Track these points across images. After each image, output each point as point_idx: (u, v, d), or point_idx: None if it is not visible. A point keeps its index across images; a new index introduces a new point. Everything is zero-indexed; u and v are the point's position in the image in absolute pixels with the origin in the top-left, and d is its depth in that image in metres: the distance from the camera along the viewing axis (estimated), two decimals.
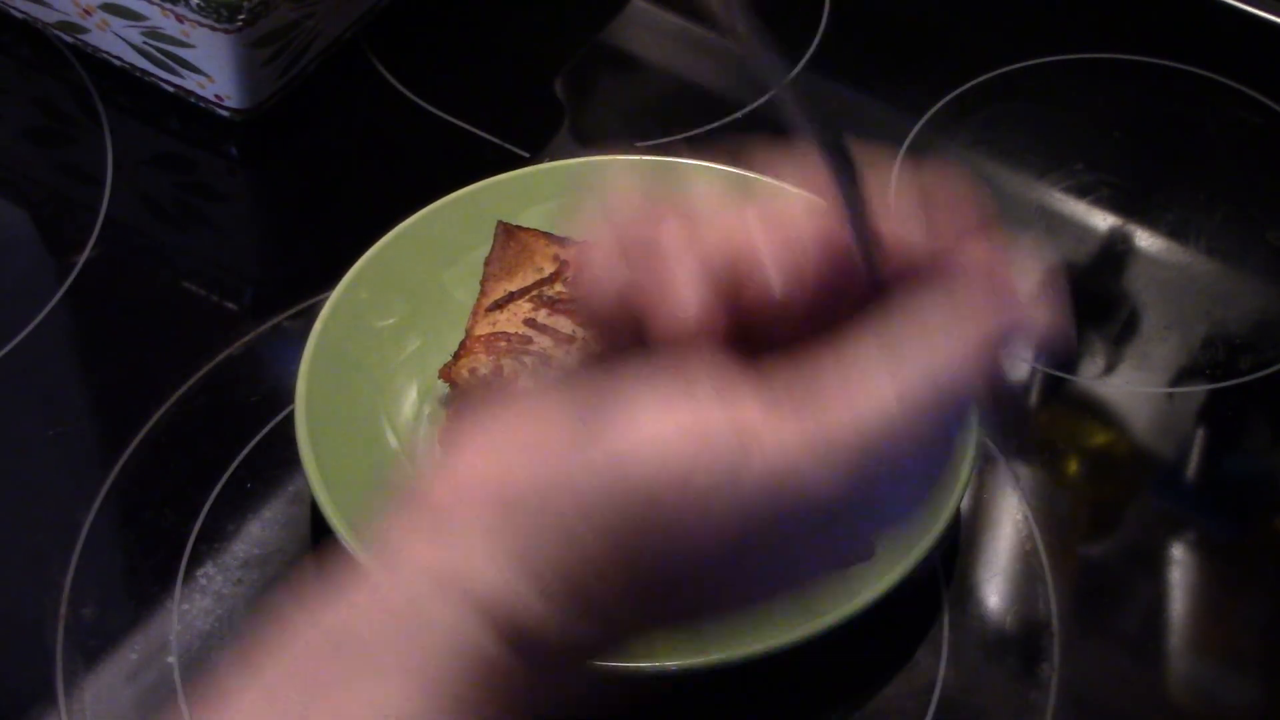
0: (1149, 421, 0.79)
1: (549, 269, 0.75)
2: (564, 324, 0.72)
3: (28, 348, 0.77)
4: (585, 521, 0.36)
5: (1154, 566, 0.73)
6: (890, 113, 0.93)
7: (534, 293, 0.74)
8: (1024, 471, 0.75)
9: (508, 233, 0.77)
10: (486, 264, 0.76)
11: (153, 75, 0.88)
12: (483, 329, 0.72)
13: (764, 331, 0.38)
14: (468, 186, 0.79)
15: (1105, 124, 0.94)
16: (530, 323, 0.72)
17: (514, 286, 0.74)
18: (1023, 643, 0.69)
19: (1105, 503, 0.76)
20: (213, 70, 0.84)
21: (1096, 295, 0.85)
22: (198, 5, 0.80)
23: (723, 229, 0.37)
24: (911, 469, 0.36)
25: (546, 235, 0.77)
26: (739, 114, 0.92)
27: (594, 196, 0.38)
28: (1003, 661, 0.69)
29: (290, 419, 0.69)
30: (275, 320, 0.79)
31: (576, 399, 0.37)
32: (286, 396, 0.70)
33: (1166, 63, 0.97)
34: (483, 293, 0.74)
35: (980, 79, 0.95)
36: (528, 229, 0.77)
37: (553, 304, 0.73)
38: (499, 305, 0.73)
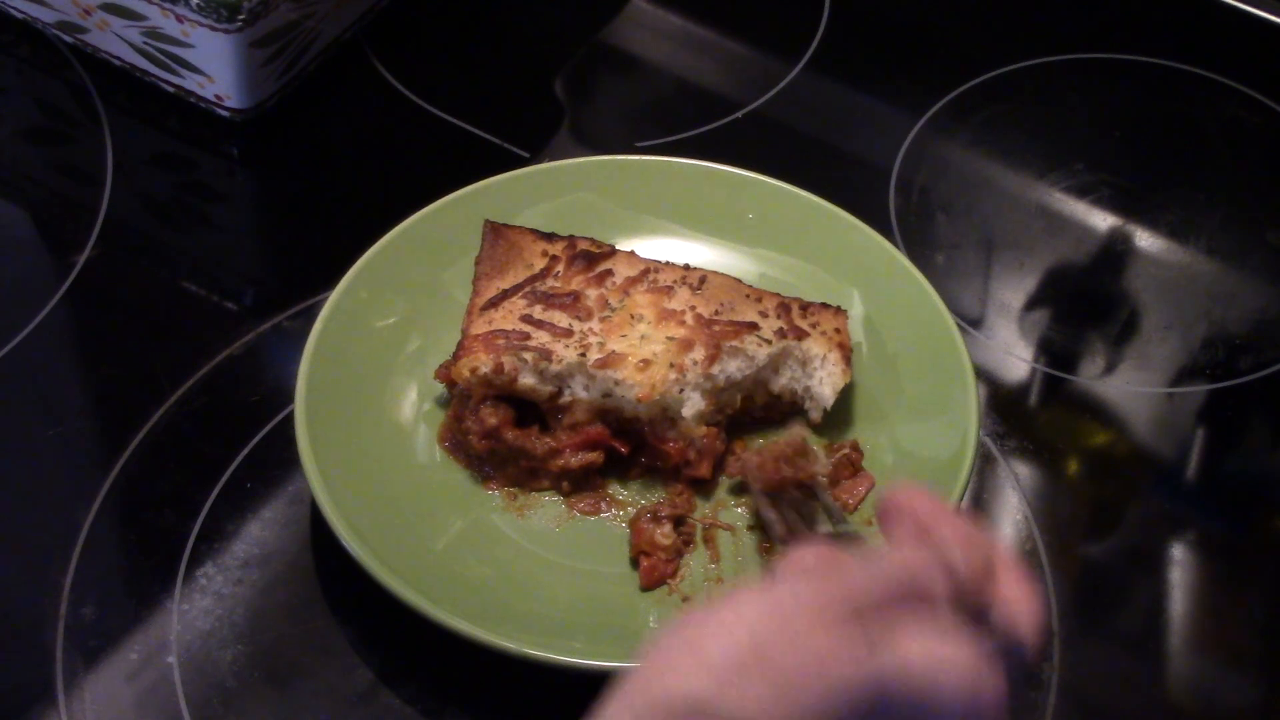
0: (1149, 421, 0.79)
1: (539, 265, 0.75)
2: (560, 318, 0.72)
3: (28, 348, 0.77)
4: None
5: (1154, 566, 0.73)
6: (890, 113, 0.93)
7: (527, 289, 0.74)
8: (1024, 471, 0.75)
9: (495, 231, 0.77)
10: (477, 263, 0.76)
11: (153, 75, 0.88)
12: (479, 328, 0.72)
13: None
14: (468, 186, 0.79)
15: (1105, 124, 0.94)
16: (526, 318, 0.72)
17: (506, 284, 0.74)
18: None
19: (1105, 503, 0.76)
20: (213, 70, 0.84)
21: (1096, 295, 0.85)
22: (198, 5, 0.80)
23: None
24: None
25: (534, 232, 0.77)
26: (739, 114, 0.92)
27: None
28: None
29: (290, 419, 0.69)
30: (275, 320, 0.79)
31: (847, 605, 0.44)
32: (286, 396, 0.70)
33: (1166, 63, 0.97)
34: (475, 292, 0.74)
35: (980, 79, 0.95)
36: (515, 227, 0.77)
37: (547, 299, 0.73)
38: (493, 303, 0.73)
